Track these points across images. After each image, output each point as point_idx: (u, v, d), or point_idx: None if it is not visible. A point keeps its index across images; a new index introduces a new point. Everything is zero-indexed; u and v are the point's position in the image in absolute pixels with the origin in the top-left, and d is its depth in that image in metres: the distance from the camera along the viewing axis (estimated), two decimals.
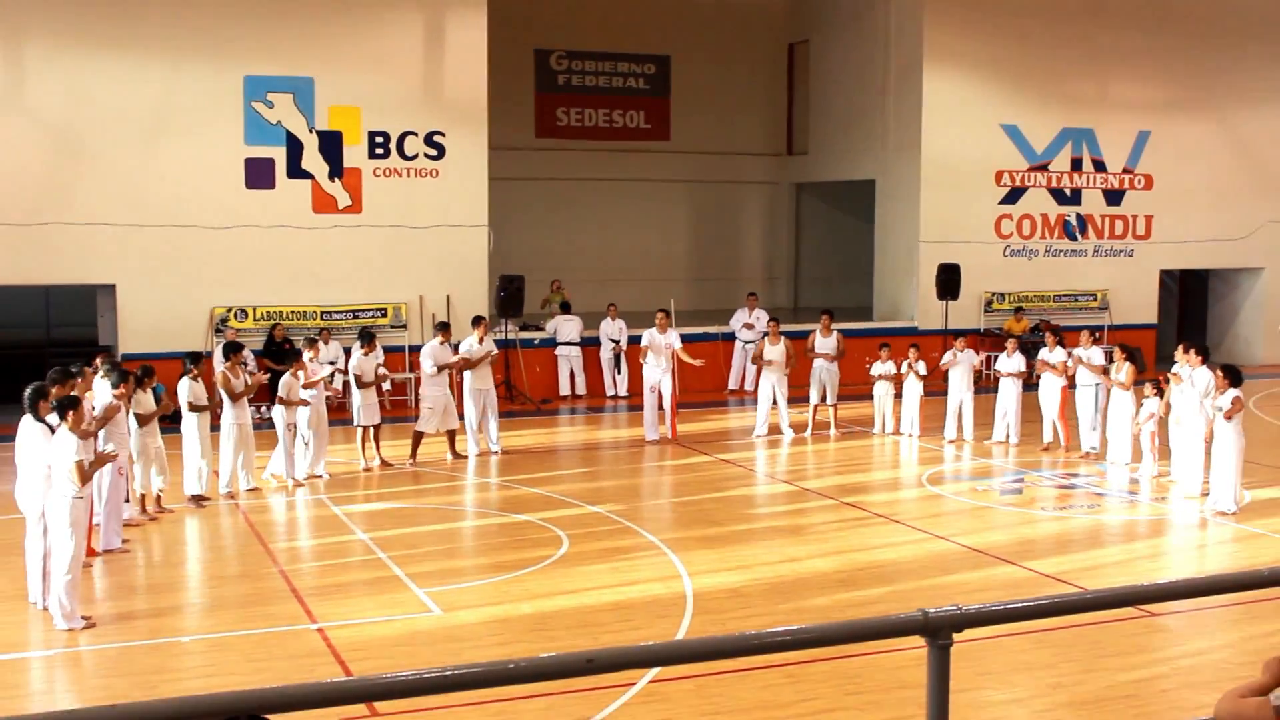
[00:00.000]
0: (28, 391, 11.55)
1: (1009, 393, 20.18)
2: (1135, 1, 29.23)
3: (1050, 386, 19.63)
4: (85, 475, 11.06)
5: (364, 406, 18.40)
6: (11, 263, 22.00)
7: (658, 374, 20.34)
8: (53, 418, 11.38)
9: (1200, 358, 16.37)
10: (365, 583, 12.48)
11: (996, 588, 12.29)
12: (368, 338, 18.79)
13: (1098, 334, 20.52)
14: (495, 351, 20.41)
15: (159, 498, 15.29)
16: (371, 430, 18.46)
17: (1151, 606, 11.01)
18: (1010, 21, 28.26)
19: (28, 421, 11.42)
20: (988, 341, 28.09)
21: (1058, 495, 16.94)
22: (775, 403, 20.84)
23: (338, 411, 20.34)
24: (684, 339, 24.95)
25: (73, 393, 12.02)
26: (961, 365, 20.42)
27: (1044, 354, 19.87)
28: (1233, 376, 15.32)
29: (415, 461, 18.66)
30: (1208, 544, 14.60)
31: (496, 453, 19.20)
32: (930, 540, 14.26)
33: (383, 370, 18.87)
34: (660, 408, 20.46)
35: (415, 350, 24.02)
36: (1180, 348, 16.97)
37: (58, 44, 21.92)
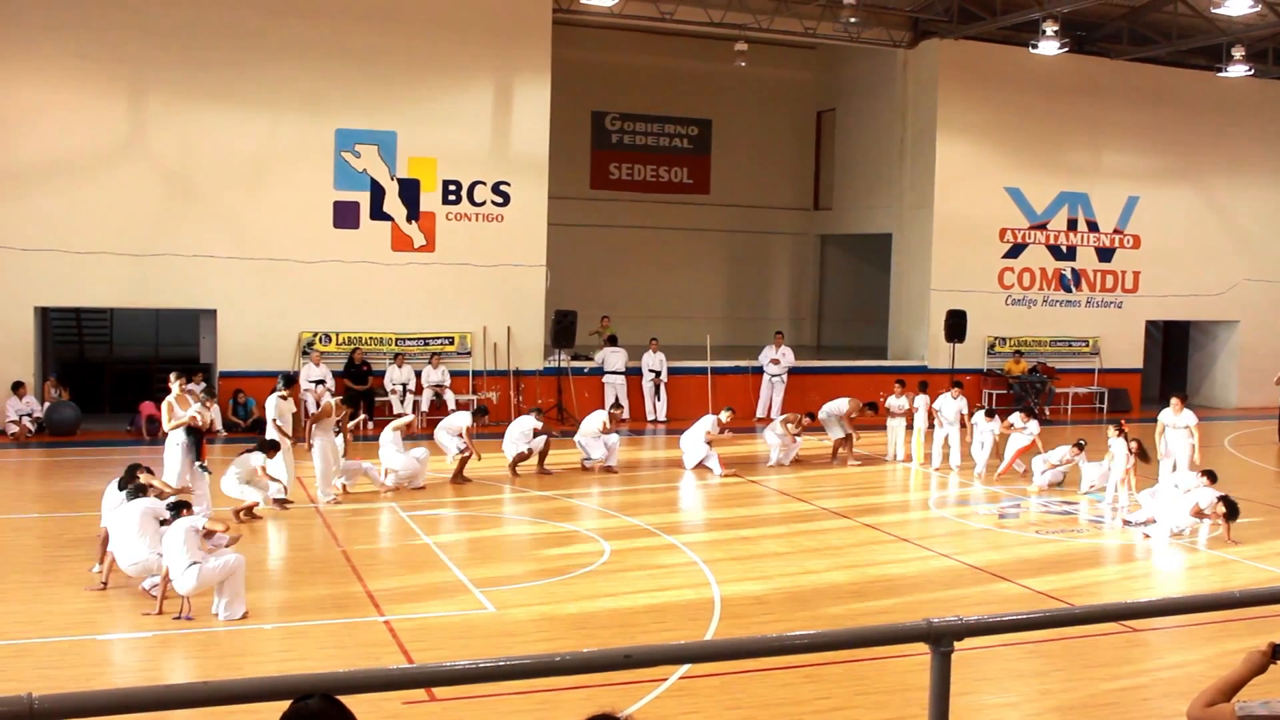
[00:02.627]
0: (172, 501, 11.60)
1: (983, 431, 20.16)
2: (1127, 81, 29.12)
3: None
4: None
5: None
6: (128, 288, 22.26)
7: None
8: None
9: (1181, 401, 16.24)
10: (428, 581, 12.47)
11: (994, 602, 12.17)
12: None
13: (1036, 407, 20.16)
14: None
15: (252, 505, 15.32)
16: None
17: (1134, 622, 10.87)
18: (1014, 96, 28.21)
19: (179, 526, 11.09)
20: (989, 380, 28.00)
21: (1050, 521, 16.76)
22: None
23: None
24: (716, 371, 25.05)
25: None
26: (952, 407, 20.30)
27: (1015, 420, 19.83)
28: (1231, 512, 15.18)
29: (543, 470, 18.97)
30: (1185, 567, 14.39)
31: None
32: (935, 558, 14.14)
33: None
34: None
35: (480, 375, 24.14)
36: (1177, 400, 16.69)
37: (174, 99, 22.19)
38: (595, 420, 19.61)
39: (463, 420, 18.49)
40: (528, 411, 19.88)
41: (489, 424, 23.52)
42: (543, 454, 18.97)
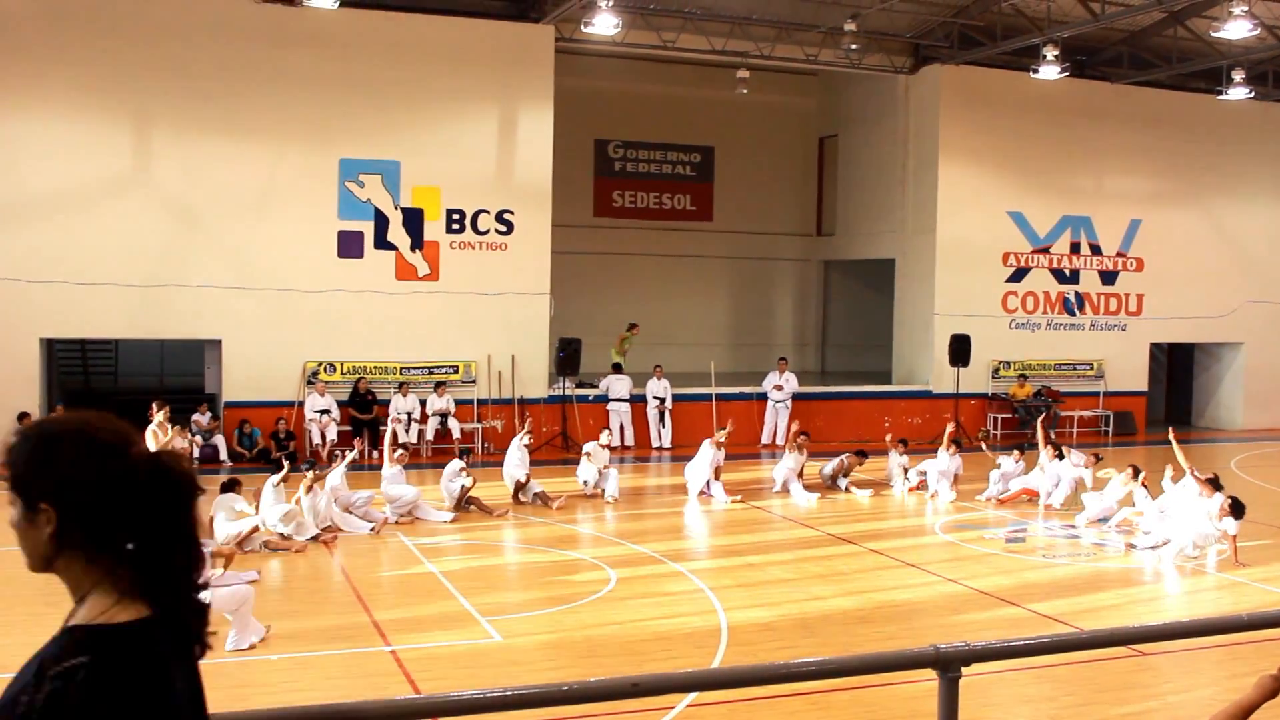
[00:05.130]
0: None
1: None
2: (1128, 105, 29.20)
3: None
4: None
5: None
6: (132, 319, 22.31)
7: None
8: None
9: (1212, 488, 15.60)
10: (434, 610, 12.44)
11: (1001, 627, 12.13)
12: None
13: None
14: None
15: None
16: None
17: (1142, 646, 10.82)
18: (1017, 121, 28.28)
19: None
20: (994, 405, 27.99)
21: (1058, 545, 16.71)
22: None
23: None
24: (720, 398, 25.07)
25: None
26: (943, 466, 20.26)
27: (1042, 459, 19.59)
28: (1236, 510, 14.96)
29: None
30: (1194, 590, 14.35)
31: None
32: (942, 583, 14.10)
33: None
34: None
35: (484, 403, 24.15)
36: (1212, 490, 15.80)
37: (178, 130, 22.29)
38: (601, 456, 19.63)
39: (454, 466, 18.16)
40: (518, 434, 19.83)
41: (493, 452, 23.64)
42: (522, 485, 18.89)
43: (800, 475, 20.12)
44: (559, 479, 20.03)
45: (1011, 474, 19.93)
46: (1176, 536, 15.34)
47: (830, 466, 20.90)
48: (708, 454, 19.74)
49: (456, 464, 18.21)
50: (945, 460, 19.97)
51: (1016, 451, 20.49)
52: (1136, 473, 17.43)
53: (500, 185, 24.42)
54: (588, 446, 19.71)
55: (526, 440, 19.20)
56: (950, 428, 21.18)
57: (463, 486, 17.91)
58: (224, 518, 14.90)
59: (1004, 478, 19.89)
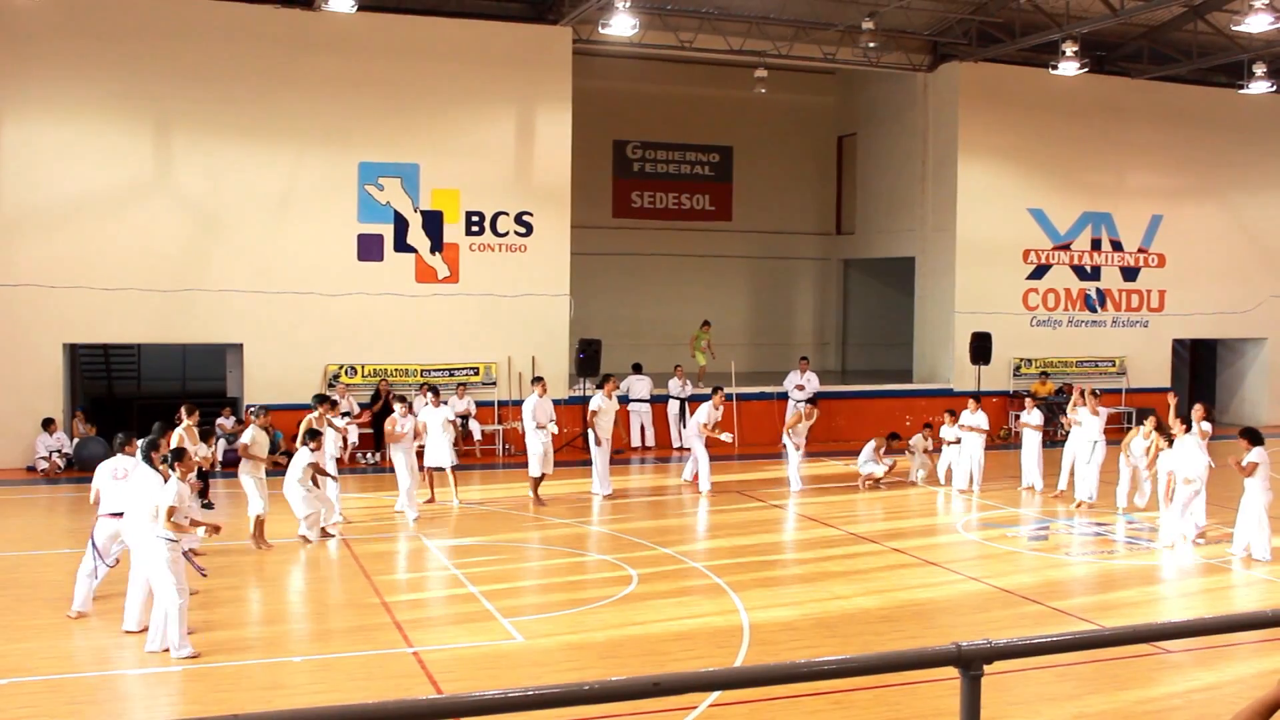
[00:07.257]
0: (142, 442, 11.69)
1: (1031, 444, 20.51)
2: (1148, 100, 29.09)
3: (1079, 440, 19.48)
4: (178, 526, 10.71)
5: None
6: (155, 324, 22.42)
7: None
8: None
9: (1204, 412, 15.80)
10: (456, 612, 12.47)
11: (1024, 624, 12.09)
12: (434, 390, 19.07)
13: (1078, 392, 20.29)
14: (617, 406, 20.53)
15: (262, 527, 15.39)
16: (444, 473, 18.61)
17: (1167, 644, 10.77)
18: (1036, 118, 28.19)
19: (143, 468, 11.45)
20: (1016, 402, 27.88)
21: (1081, 542, 16.65)
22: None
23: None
24: (741, 397, 25.06)
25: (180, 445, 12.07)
26: (976, 430, 20.36)
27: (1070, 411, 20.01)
28: (1252, 438, 15.08)
29: (538, 501, 18.67)
30: (1217, 588, 14.27)
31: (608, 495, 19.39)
32: (964, 581, 14.06)
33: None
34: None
35: (505, 405, 24.20)
36: (1199, 409, 16.25)
37: (199, 135, 22.40)
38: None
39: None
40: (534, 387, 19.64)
41: (514, 454, 23.65)
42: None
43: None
44: (580, 479, 20.07)
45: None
46: (1250, 534, 15.09)
47: (866, 463, 20.85)
48: (701, 416, 20.32)
49: (445, 428, 18.41)
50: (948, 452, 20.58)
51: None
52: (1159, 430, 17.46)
53: (519, 187, 24.45)
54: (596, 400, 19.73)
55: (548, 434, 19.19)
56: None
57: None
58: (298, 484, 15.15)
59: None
